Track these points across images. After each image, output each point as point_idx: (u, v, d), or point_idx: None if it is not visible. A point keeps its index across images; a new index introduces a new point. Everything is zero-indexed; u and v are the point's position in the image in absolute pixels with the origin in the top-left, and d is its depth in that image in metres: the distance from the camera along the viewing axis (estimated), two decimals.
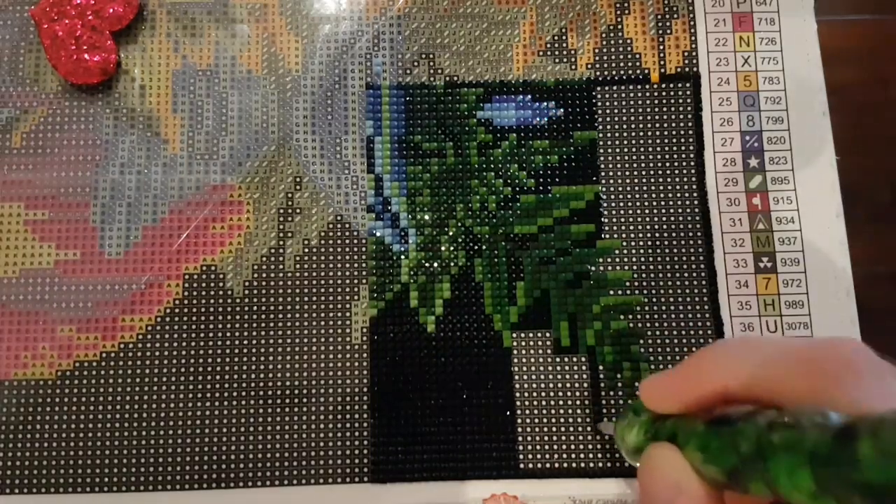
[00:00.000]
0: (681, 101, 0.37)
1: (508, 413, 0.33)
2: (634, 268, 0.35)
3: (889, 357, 0.20)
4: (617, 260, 0.35)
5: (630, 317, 0.35)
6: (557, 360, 0.34)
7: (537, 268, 0.35)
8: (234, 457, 0.33)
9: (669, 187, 0.36)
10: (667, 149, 0.36)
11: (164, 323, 0.34)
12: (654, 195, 0.36)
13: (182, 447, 0.33)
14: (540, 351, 0.34)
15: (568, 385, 0.34)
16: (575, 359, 0.34)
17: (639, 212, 0.36)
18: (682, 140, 0.36)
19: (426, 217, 0.35)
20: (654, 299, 0.35)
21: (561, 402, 0.34)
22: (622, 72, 0.37)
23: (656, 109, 0.37)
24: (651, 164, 0.36)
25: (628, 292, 0.35)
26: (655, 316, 0.35)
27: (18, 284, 0.34)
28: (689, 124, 0.36)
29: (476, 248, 0.35)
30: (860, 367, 0.19)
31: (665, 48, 0.37)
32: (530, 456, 0.33)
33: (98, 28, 0.36)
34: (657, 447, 0.23)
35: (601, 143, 0.36)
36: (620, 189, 0.36)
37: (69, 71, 0.35)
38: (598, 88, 0.37)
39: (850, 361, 0.19)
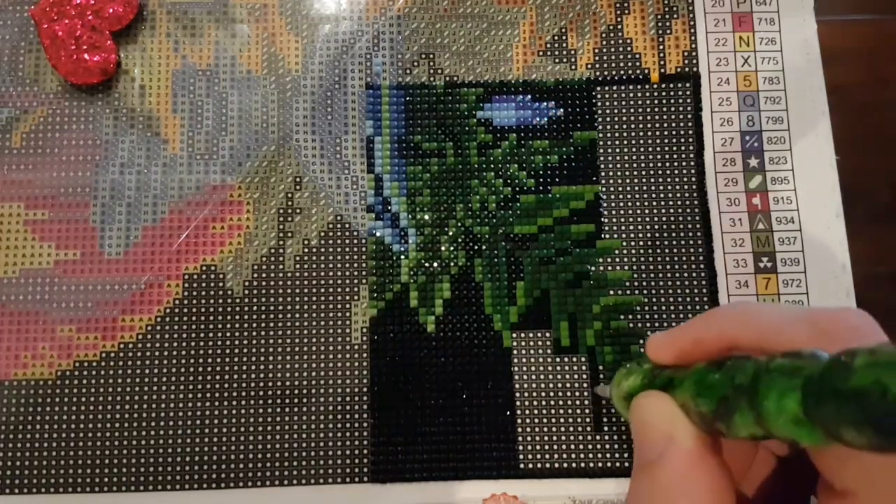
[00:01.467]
0: (681, 101, 0.37)
1: (508, 413, 0.33)
2: (634, 268, 0.35)
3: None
4: (617, 260, 0.35)
5: (630, 317, 0.35)
6: (557, 360, 0.34)
7: (537, 268, 0.35)
8: (234, 457, 0.33)
9: (669, 187, 0.36)
10: (667, 149, 0.36)
11: (164, 323, 0.34)
12: (654, 195, 0.36)
13: (182, 447, 0.33)
14: (540, 351, 0.34)
15: (568, 385, 0.34)
16: (575, 359, 0.34)
17: (639, 212, 0.36)
18: (682, 140, 0.36)
19: (426, 217, 0.35)
20: (654, 299, 0.35)
21: (561, 402, 0.34)
22: (622, 72, 0.37)
23: (656, 109, 0.37)
24: (651, 164, 0.36)
25: (628, 292, 0.35)
26: (655, 316, 0.34)
27: (18, 284, 0.34)
28: (689, 124, 0.36)
29: (476, 248, 0.35)
30: (866, 333, 0.20)
31: (665, 48, 0.37)
32: (530, 456, 0.33)
33: (98, 28, 0.36)
34: (648, 395, 0.23)
35: (601, 143, 0.36)
36: (620, 189, 0.36)
37: (69, 71, 0.35)
38: (598, 88, 0.37)
39: (857, 327, 0.20)
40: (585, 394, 0.34)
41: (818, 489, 0.20)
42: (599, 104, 0.37)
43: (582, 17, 0.38)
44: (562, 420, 0.33)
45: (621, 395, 0.26)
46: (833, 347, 0.18)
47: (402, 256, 0.35)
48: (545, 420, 0.33)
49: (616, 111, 0.37)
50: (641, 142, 0.36)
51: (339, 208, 0.36)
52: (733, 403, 0.20)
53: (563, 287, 0.35)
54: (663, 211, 0.36)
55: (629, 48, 0.37)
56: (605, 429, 0.33)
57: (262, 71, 0.37)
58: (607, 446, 0.33)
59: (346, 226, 0.35)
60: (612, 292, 0.35)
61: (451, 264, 0.35)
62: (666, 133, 0.36)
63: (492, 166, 0.36)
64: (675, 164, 0.36)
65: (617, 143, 0.36)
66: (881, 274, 0.36)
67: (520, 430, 0.33)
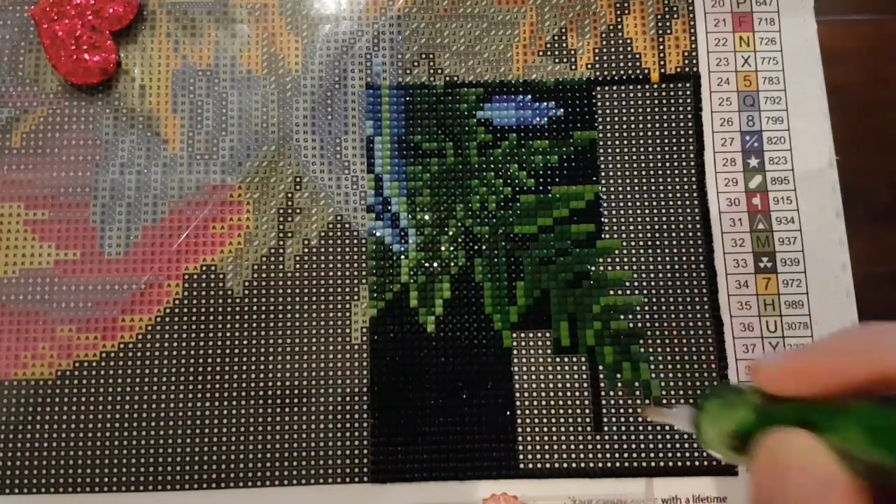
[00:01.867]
0: (681, 101, 0.37)
1: (508, 413, 0.33)
2: (634, 268, 0.35)
3: None
4: (617, 260, 0.35)
5: (630, 317, 0.35)
6: (557, 360, 0.34)
7: (537, 268, 0.35)
8: (234, 457, 0.33)
9: (669, 187, 0.36)
10: (667, 149, 0.36)
11: (164, 323, 0.34)
12: (654, 195, 0.36)
13: (182, 447, 0.33)
14: (540, 351, 0.34)
15: (568, 385, 0.34)
16: (575, 359, 0.34)
17: (639, 212, 0.36)
18: (682, 140, 0.36)
19: (426, 217, 0.35)
20: (654, 299, 0.35)
21: (561, 402, 0.34)
22: (622, 72, 0.37)
23: (656, 109, 0.37)
24: (651, 164, 0.36)
25: (628, 292, 0.35)
26: (655, 316, 0.34)
27: (18, 284, 0.34)
28: (689, 124, 0.36)
29: (476, 248, 0.35)
30: None
31: (665, 48, 0.37)
32: (530, 456, 0.33)
33: (98, 28, 0.36)
34: (793, 433, 0.19)
35: (601, 143, 0.36)
36: (620, 189, 0.36)
37: (69, 71, 0.35)
38: (598, 88, 0.37)
39: None
40: (585, 394, 0.34)
41: None
42: (599, 104, 0.37)
43: (582, 17, 0.38)
44: (562, 420, 0.33)
45: (725, 433, 0.22)
46: None
47: (402, 256, 0.35)
48: (545, 420, 0.33)
49: (616, 111, 0.37)
50: (641, 142, 0.36)
51: (339, 208, 0.36)
52: None
53: (563, 287, 0.35)
54: (663, 211, 0.36)
55: (629, 48, 0.37)
56: (605, 429, 0.33)
57: (262, 71, 0.37)
58: (607, 446, 0.33)
59: (346, 226, 0.35)
60: (612, 292, 0.35)
61: (451, 264, 0.35)
62: (666, 133, 0.36)
63: (492, 166, 0.36)
64: (675, 164, 0.36)
65: (617, 143, 0.36)
66: (881, 274, 0.36)
67: (520, 430, 0.33)
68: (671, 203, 0.36)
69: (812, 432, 0.19)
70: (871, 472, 0.18)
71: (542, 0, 0.38)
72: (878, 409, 0.18)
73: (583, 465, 0.33)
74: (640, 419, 0.33)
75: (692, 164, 0.36)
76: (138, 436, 0.33)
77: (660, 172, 0.36)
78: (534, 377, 0.34)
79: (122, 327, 0.34)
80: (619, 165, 0.36)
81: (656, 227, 0.35)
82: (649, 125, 0.36)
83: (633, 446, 0.33)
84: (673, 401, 0.34)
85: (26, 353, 0.34)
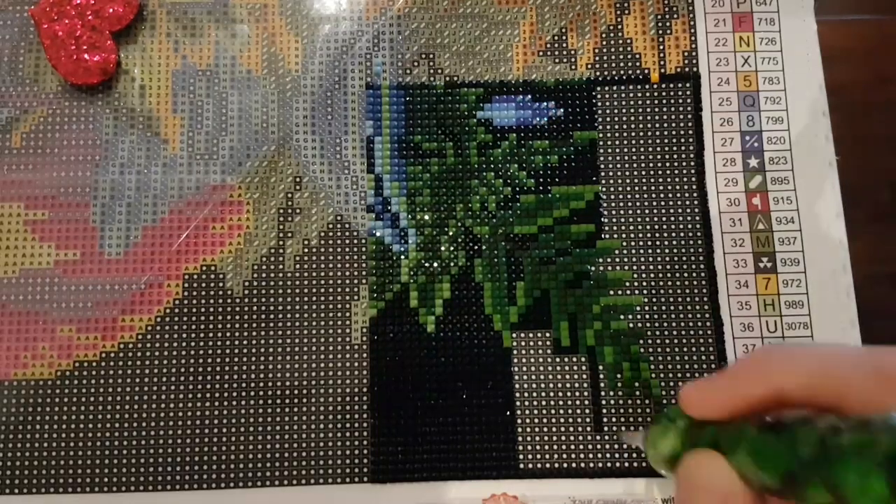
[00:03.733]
0: (681, 101, 0.37)
1: (508, 413, 0.33)
2: (634, 268, 0.35)
3: None
4: (617, 260, 0.35)
5: (630, 317, 0.35)
6: (557, 360, 0.34)
7: (537, 268, 0.35)
8: (234, 457, 0.33)
9: (669, 187, 0.36)
10: (667, 149, 0.36)
11: (164, 323, 0.34)
12: (654, 195, 0.36)
13: (182, 447, 0.33)
14: (540, 351, 0.34)
15: (568, 385, 0.34)
16: (575, 359, 0.34)
17: (639, 212, 0.36)
18: (682, 140, 0.36)
19: (426, 217, 0.35)
20: (654, 299, 0.35)
21: (561, 402, 0.34)
22: (622, 72, 0.37)
23: (656, 109, 0.37)
24: (651, 164, 0.36)
25: (628, 292, 0.35)
26: (655, 316, 0.34)
27: (18, 284, 0.34)
28: (689, 124, 0.36)
29: (476, 248, 0.35)
30: None
31: (665, 48, 0.37)
32: (530, 456, 0.33)
33: (98, 28, 0.36)
34: (701, 454, 0.22)
35: (601, 143, 0.36)
36: (620, 189, 0.36)
37: (69, 71, 0.35)
38: (598, 88, 0.37)
39: None
40: (585, 394, 0.34)
41: None
42: (599, 104, 0.37)
43: (582, 17, 0.38)
44: (562, 420, 0.33)
45: (662, 456, 0.25)
46: (891, 396, 0.17)
47: (402, 256, 0.35)
48: (545, 420, 0.33)
49: (616, 111, 0.37)
50: (641, 142, 0.36)
51: (339, 208, 0.36)
52: (802, 478, 0.19)
53: (563, 287, 0.35)
54: (663, 211, 0.36)
55: (629, 48, 0.37)
56: (605, 429, 0.33)
57: (262, 71, 0.37)
58: (607, 446, 0.33)
59: (346, 226, 0.35)
60: (612, 292, 0.35)
61: (451, 264, 0.35)
62: (666, 133, 0.36)
63: (492, 166, 0.36)
64: (675, 164, 0.36)
65: (617, 143, 0.36)
66: (881, 274, 0.36)
67: (520, 430, 0.33)
68: (671, 203, 0.36)
69: (719, 454, 0.21)
70: (769, 490, 0.20)
71: (542, 0, 0.38)
72: (761, 434, 0.20)
73: (583, 465, 0.33)
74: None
75: (692, 164, 0.36)
76: (138, 436, 0.33)
77: (660, 172, 0.36)
78: (534, 377, 0.34)
79: (122, 327, 0.34)
80: (619, 165, 0.36)
81: (656, 227, 0.35)
82: (649, 125, 0.36)
83: (634, 446, 0.33)
84: (673, 401, 0.34)
85: (26, 353, 0.34)
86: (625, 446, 0.33)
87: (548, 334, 0.34)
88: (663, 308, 0.35)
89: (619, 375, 0.34)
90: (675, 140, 0.36)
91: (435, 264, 0.35)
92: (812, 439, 0.19)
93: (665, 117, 0.36)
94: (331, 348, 0.34)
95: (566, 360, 0.34)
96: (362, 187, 0.36)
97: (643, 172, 0.36)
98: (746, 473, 0.20)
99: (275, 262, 0.35)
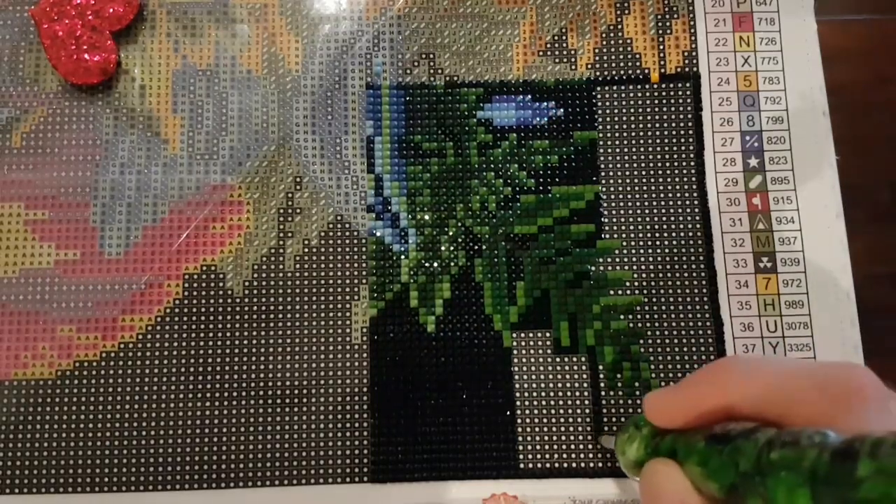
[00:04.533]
0: (681, 101, 0.37)
1: (508, 413, 0.33)
2: (634, 268, 0.35)
3: (890, 383, 0.21)
4: (617, 260, 0.35)
5: (630, 317, 0.34)
6: (557, 360, 0.34)
7: (537, 268, 0.35)
8: (234, 457, 0.33)
9: (669, 187, 0.36)
10: (667, 149, 0.36)
11: (164, 323, 0.34)
12: (654, 195, 0.36)
13: (182, 447, 0.33)
14: (540, 351, 0.34)
15: (568, 385, 0.34)
16: (575, 359, 0.34)
17: (639, 212, 0.36)
18: (682, 140, 0.36)
19: (426, 217, 0.35)
20: (654, 299, 0.35)
21: (561, 402, 0.34)
22: (622, 72, 0.37)
23: (656, 109, 0.37)
24: (651, 164, 0.36)
25: (628, 292, 0.35)
26: (655, 316, 0.34)
27: (18, 284, 0.34)
28: (689, 124, 0.36)
29: (476, 248, 0.35)
30: (868, 393, 0.20)
31: (665, 48, 0.37)
32: (530, 456, 0.33)
33: (98, 28, 0.36)
34: (658, 462, 0.23)
35: (601, 143, 0.36)
36: (620, 189, 0.36)
37: (69, 71, 0.35)
38: (598, 88, 0.37)
39: (859, 387, 0.20)
40: (585, 394, 0.34)
41: None
42: (599, 104, 0.37)
43: (582, 17, 0.38)
44: (562, 420, 0.33)
45: (628, 462, 0.26)
46: (835, 411, 0.18)
47: (402, 256, 0.35)
48: (545, 420, 0.33)
49: (616, 111, 0.37)
50: (641, 142, 0.36)
51: (339, 208, 0.36)
52: (743, 491, 0.19)
53: (563, 287, 0.35)
54: (663, 211, 0.36)
55: (629, 48, 0.37)
56: (606, 429, 0.33)
57: (262, 71, 0.37)
58: (612, 450, 0.33)
59: (346, 226, 0.35)
60: (612, 292, 0.35)
61: (451, 264, 0.35)
62: (666, 133, 0.36)
63: (492, 166, 0.36)
64: (675, 164, 0.36)
65: (617, 143, 0.36)
66: (881, 274, 0.36)
67: (520, 430, 0.33)
68: (671, 203, 0.36)
69: (675, 462, 0.22)
70: (716, 500, 0.20)
71: (542, 0, 0.38)
72: (709, 447, 0.21)
73: (583, 465, 0.33)
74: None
75: (692, 164, 0.36)
76: (138, 436, 0.33)
77: (660, 172, 0.36)
78: (534, 377, 0.34)
79: (122, 327, 0.34)
80: (619, 165, 0.36)
81: (656, 227, 0.35)
82: (649, 125, 0.36)
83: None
84: None
85: (26, 353, 0.34)
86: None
87: (548, 334, 0.34)
88: (663, 308, 0.35)
89: (619, 375, 0.34)
90: (675, 140, 0.36)
91: (435, 264, 0.35)
92: (750, 453, 0.19)
93: (665, 117, 0.36)
94: (331, 348, 0.34)
95: (566, 360, 0.34)
96: (362, 187, 0.36)
97: (643, 172, 0.36)
98: (696, 482, 0.21)
99: (275, 262, 0.35)
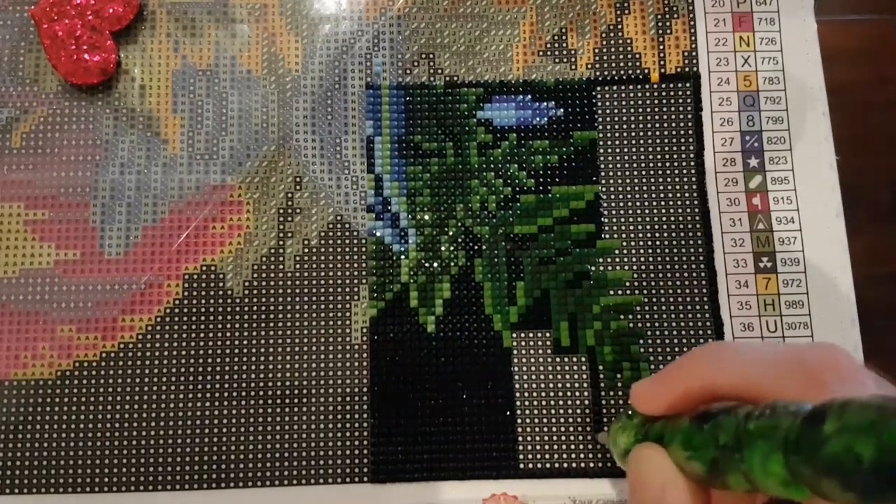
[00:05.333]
0: (681, 101, 0.37)
1: (508, 413, 0.33)
2: (634, 268, 0.35)
3: (871, 366, 0.21)
4: (617, 260, 0.35)
5: (630, 317, 0.35)
6: (557, 360, 0.34)
7: (537, 268, 0.35)
8: (234, 457, 0.33)
9: (669, 187, 0.36)
10: (667, 149, 0.36)
11: (164, 323, 0.34)
12: (654, 195, 0.36)
13: (182, 447, 0.33)
14: (540, 351, 0.34)
15: (568, 385, 0.34)
16: (575, 359, 0.34)
17: (639, 212, 0.36)
18: (682, 140, 0.36)
19: (426, 217, 0.35)
20: (654, 299, 0.35)
21: (561, 402, 0.34)
22: (622, 72, 0.37)
23: (656, 109, 0.37)
24: (651, 164, 0.36)
25: (628, 292, 0.35)
26: (655, 316, 0.34)
27: (18, 284, 0.34)
28: (689, 124, 0.36)
29: (476, 248, 0.35)
30: (844, 371, 0.20)
31: (665, 48, 0.37)
32: (530, 456, 0.33)
33: (98, 28, 0.36)
34: (643, 447, 0.23)
35: (601, 143, 0.36)
36: (620, 189, 0.36)
37: (69, 71, 0.35)
38: (598, 88, 0.37)
39: (835, 366, 0.20)
40: (585, 394, 0.34)
41: None
42: (599, 104, 0.37)
43: (582, 17, 0.38)
44: (562, 420, 0.33)
45: (619, 451, 0.26)
46: (812, 389, 0.19)
47: (402, 256, 0.35)
48: (545, 420, 0.33)
49: (616, 111, 0.37)
50: (641, 142, 0.36)
51: (339, 208, 0.36)
52: (723, 465, 0.20)
53: (563, 287, 0.35)
54: (663, 211, 0.36)
55: (629, 48, 0.37)
56: (606, 429, 0.33)
57: (262, 71, 0.37)
58: (607, 446, 0.33)
59: (346, 226, 0.35)
60: (612, 292, 0.35)
61: (451, 264, 0.35)
62: (666, 133, 0.36)
63: (492, 166, 0.36)
64: (675, 164, 0.36)
65: (617, 143, 0.36)
66: (881, 274, 0.36)
67: (520, 430, 0.33)
68: (671, 203, 0.36)
69: (662, 447, 0.22)
70: (700, 478, 0.21)
71: (542, 0, 0.38)
72: (692, 426, 0.21)
73: (583, 465, 0.33)
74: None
75: (692, 164, 0.36)
76: (138, 436, 0.33)
77: (660, 172, 0.36)
78: (534, 377, 0.34)
79: (122, 327, 0.34)
80: (619, 165, 0.36)
81: (656, 227, 0.35)
82: (649, 125, 0.36)
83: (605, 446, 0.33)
84: None
85: (26, 353, 0.34)
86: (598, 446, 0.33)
87: (548, 334, 0.34)
88: (663, 308, 0.35)
89: (619, 375, 0.34)
90: (675, 140, 0.36)
91: (435, 264, 0.35)
92: (730, 427, 0.20)
93: (665, 117, 0.36)
94: (331, 348, 0.34)
95: (566, 360, 0.34)
96: (362, 187, 0.36)
97: (643, 172, 0.36)
98: (681, 463, 0.22)
99: (275, 262, 0.35)
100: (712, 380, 0.22)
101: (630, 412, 0.27)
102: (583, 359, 0.34)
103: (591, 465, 0.33)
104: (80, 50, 0.35)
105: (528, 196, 0.36)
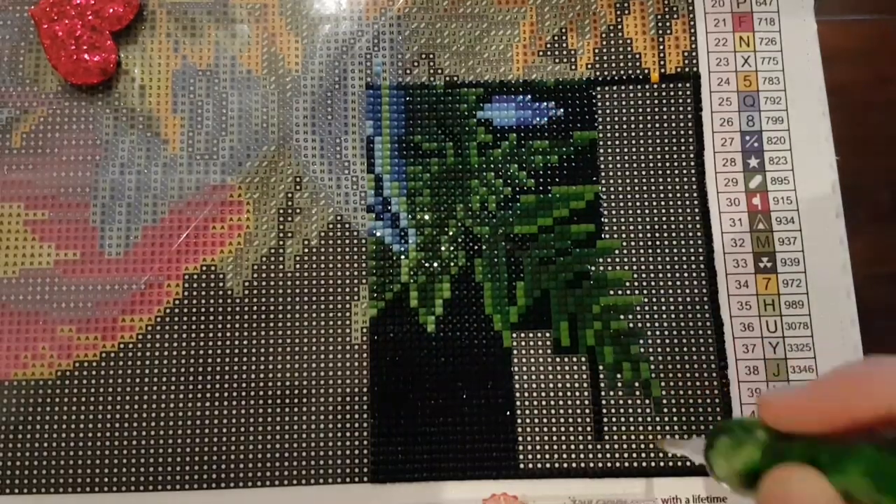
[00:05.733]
0: (681, 101, 0.37)
1: (508, 413, 0.33)
2: (634, 268, 0.35)
3: None
4: (617, 260, 0.35)
5: (630, 317, 0.34)
6: (557, 360, 0.34)
7: (537, 268, 0.35)
8: (234, 457, 0.33)
9: (669, 187, 0.36)
10: (667, 149, 0.36)
11: (164, 323, 0.34)
12: (654, 195, 0.36)
13: (182, 447, 0.33)
14: (540, 351, 0.34)
15: (568, 385, 0.34)
16: (575, 359, 0.34)
17: (639, 212, 0.36)
18: (682, 140, 0.36)
19: (426, 217, 0.35)
20: (654, 299, 0.35)
21: (561, 402, 0.34)
22: (622, 72, 0.37)
23: (656, 109, 0.37)
24: (651, 164, 0.36)
25: (628, 292, 0.35)
26: (655, 316, 0.34)
27: (18, 284, 0.34)
28: (689, 124, 0.36)
29: (476, 248, 0.35)
30: None
31: (665, 48, 0.37)
32: (530, 456, 0.33)
33: (98, 28, 0.36)
34: (795, 470, 0.20)
35: (601, 143, 0.36)
36: (620, 189, 0.36)
37: (69, 71, 0.35)
38: (598, 88, 0.37)
39: None
40: (585, 394, 0.34)
41: None
42: (599, 104, 0.37)
43: (582, 17, 0.38)
44: (562, 420, 0.33)
45: (730, 471, 0.23)
46: None
47: (402, 256, 0.35)
48: (545, 420, 0.33)
49: (616, 111, 0.37)
50: (641, 142, 0.36)
51: (339, 208, 0.36)
52: None
53: (563, 287, 0.35)
54: (663, 211, 0.36)
55: (629, 48, 0.37)
56: (606, 429, 0.33)
57: (262, 71, 0.37)
58: (607, 447, 0.33)
59: (346, 226, 0.35)
60: (612, 292, 0.35)
61: (451, 264, 0.35)
62: (666, 133, 0.36)
63: (492, 166, 0.36)
64: (675, 164, 0.36)
65: (617, 143, 0.36)
66: (881, 274, 0.36)
67: (520, 430, 0.33)
68: (671, 203, 0.36)
69: (818, 471, 0.19)
70: None
71: (542, 0, 0.38)
72: (882, 455, 0.19)
73: (583, 465, 0.33)
74: (653, 447, 0.32)
75: (692, 164, 0.36)
76: (138, 436, 0.33)
77: (660, 172, 0.36)
78: (534, 377, 0.34)
79: (122, 327, 0.34)
80: (619, 165, 0.36)
81: (656, 227, 0.35)
82: (649, 125, 0.36)
83: (633, 446, 0.33)
84: (673, 401, 0.34)
85: (26, 353, 0.34)
86: (624, 446, 0.33)
87: (548, 334, 0.34)
88: (663, 308, 0.35)
89: (619, 375, 0.34)
90: (675, 140, 0.36)
91: (435, 264, 0.35)
92: None
93: (665, 117, 0.36)
94: (331, 348, 0.34)
95: (566, 360, 0.34)
96: (362, 187, 0.36)
97: (643, 172, 0.36)
98: (857, 495, 0.19)
99: (275, 262, 0.35)
100: (892, 403, 0.19)
101: (744, 425, 0.23)
102: (583, 359, 0.34)
103: (591, 465, 0.33)
104: (80, 50, 0.35)
105: (528, 196, 0.36)
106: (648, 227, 0.35)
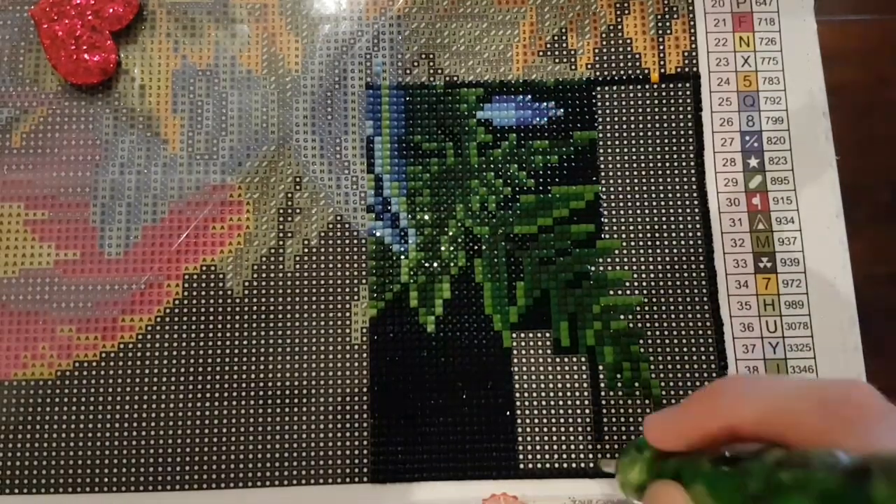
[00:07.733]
0: (681, 101, 0.37)
1: (508, 413, 0.33)
2: (634, 268, 0.35)
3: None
4: (617, 260, 0.35)
5: (630, 317, 0.35)
6: (557, 360, 0.34)
7: (537, 268, 0.35)
8: (234, 457, 0.33)
9: (669, 187, 0.36)
10: (667, 149, 0.36)
11: (164, 323, 0.34)
12: (654, 195, 0.36)
13: (182, 447, 0.33)
14: (540, 351, 0.34)
15: (568, 385, 0.34)
16: (575, 359, 0.34)
17: (639, 212, 0.36)
18: (682, 140, 0.36)
19: (426, 217, 0.35)
20: (654, 299, 0.35)
21: (561, 402, 0.34)
22: (622, 72, 0.37)
23: (656, 109, 0.37)
24: (651, 164, 0.36)
25: (628, 292, 0.35)
26: (655, 316, 0.34)
27: (18, 284, 0.34)
28: (689, 124, 0.36)
29: (476, 248, 0.35)
30: (873, 412, 0.19)
31: (665, 48, 0.37)
32: (530, 456, 0.33)
33: (98, 28, 0.36)
34: (663, 485, 0.23)
35: (601, 143, 0.36)
36: (620, 189, 0.36)
37: (69, 71, 0.35)
38: (598, 88, 0.37)
39: (864, 406, 0.19)
40: (585, 394, 0.34)
41: None
42: (599, 104, 0.37)
43: (582, 17, 0.38)
44: (562, 420, 0.33)
45: (629, 485, 0.26)
46: (839, 430, 0.18)
47: (402, 256, 0.35)
48: (545, 420, 0.33)
49: (616, 111, 0.37)
50: (641, 142, 0.36)
51: (339, 208, 0.36)
52: None
53: (563, 287, 0.35)
54: (663, 211, 0.36)
55: (629, 48, 0.37)
56: (605, 429, 0.33)
57: (262, 71, 0.37)
58: (607, 446, 0.33)
59: (346, 226, 0.35)
60: (612, 292, 0.35)
61: (451, 264, 0.35)
62: (666, 133, 0.36)
63: (492, 166, 0.36)
64: (675, 164, 0.36)
65: (617, 143, 0.36)
66: (881, 274, 0.36)
67: (520, 430, 0.33)
68: (671, 203, 0.36)
69: (680, 485, 0.22)
70: None
71: (542, 0, 0.38)
72: (715, 468, 0.21)
73: (583, 465, 0.33)
74: (600, 467, 0.33)
75: (692, 164, 0.36)
76: (138, 436, 0.33)
77: (660, 172, 0.36)
78: (534, 377, 0.34)
79: (122, 327, 0.34)
80: (619, 165, 0.36)
81: (656, 227, 0.35)
82: (649, 125, 0.36)
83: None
84: (673, 401, 0.34)
85: (26, 353, 0.34)
86: (624, 446, 0.33)
87: (548, 334, 0.34)
88: (663, 308, 0.35)
89: (619, 375, 0.34)
90: (675, 140, 0.36)
91: (435, 264, 0.35)
92: (759, 475, 0.19)
93: (665, 117, 0.36)
94: (331, 348, 0.34)
95: (566, 360, 0.34)
96: (362, 187, 0.36)
97: (643, 172, 0.36)
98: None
99: (275, 262, 0.35)
100: (731, 420, 0.21)
101: (640, 444, 0.26)
102: (583, 359, 0.34)
103: (591, 465, 0.33)
104: (80, 50, 0.35)
105: (528, 196, 0.36)
106: (648, 227, 0.35)
